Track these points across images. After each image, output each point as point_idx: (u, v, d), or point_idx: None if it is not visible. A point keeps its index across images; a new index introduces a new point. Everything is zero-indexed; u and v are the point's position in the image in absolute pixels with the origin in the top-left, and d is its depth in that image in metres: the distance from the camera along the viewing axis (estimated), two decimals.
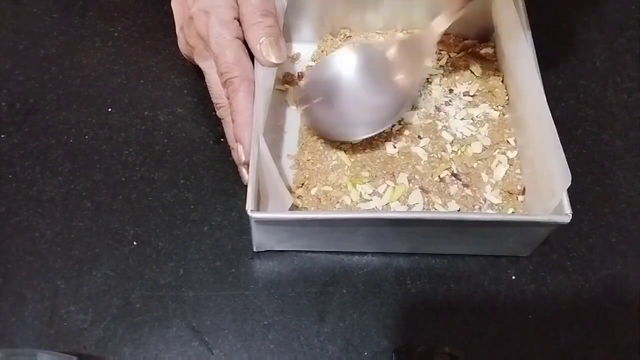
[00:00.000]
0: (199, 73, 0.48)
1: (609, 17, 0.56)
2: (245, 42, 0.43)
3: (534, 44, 0.45)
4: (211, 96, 0.45)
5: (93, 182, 0.45)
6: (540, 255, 0.43)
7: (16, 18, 0.53)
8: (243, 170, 0.43)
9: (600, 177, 0.47)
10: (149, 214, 0.44)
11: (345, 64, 0.47)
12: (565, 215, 0.38)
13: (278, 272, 0.43)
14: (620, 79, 0.52)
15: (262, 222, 0.39)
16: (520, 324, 0.41)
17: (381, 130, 0.45)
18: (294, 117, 0.48)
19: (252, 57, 0.43)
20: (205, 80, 0.45)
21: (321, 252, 0.43)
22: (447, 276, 0.43)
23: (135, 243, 0.43)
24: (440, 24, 0.44)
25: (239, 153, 0.42)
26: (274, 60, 0.42)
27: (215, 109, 0.45)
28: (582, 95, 0.51)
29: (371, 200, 0.43)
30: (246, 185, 0.44)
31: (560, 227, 0.41)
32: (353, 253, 0.43)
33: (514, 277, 0.43)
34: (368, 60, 0.47)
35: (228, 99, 0.43)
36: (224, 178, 0.46)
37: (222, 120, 0.45)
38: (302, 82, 0.49)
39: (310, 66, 0.50)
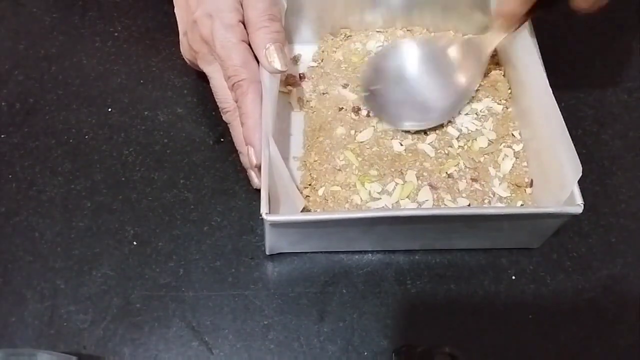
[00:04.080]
0: (199, 73, 0.48)
1: (608, 17, 0.56)
2: (249, 45, 0.43)
3: None
4: (217, 101, 0.45)
5: (93, 182, 0.45)
6: (540, 255, 0.44)
7: (16, 18, 0.53)
8: (252, 174, 0.43)
9: (600, 177, 0.47)
10: (148, 214, 0.44)
11: (406, 55, 0.48)
12: (577, 205, 0.38)
13: (278, 272, 0.43)
14: (620, 79, 0.52)
15: (277, 225, 0.39)
16: (520, 324, 0.41)
17: (434, 125, 0.46)
18: (298, 119, 0.48)
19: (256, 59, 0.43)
20: (210, 85, 0.45)
21: (321, 252, 0.43)
22: (447, 276, 0.43)
23: (135, 243, 0.43)
24: (497, 36, 0.45)
25: (251, 156, 0.42)
26: (278, 67, 0.42)
27: (222, 114, 0.45)
28: (582, 95, 0.51)
29: (380, 198, 0.43)
30: (247, 186, 0.45)
31: (560, 226, 0.41)
32: (353, 253, 0.43)
33: (514, 277, 0.43)
34: (428, 54, 0.48)
35: (236, 102, 0.43)
36: (224, 178, 0.46)
37: (229, 125, 0.45)
38: (364, 69, 0.49)
39: (313, 66, 0.50)
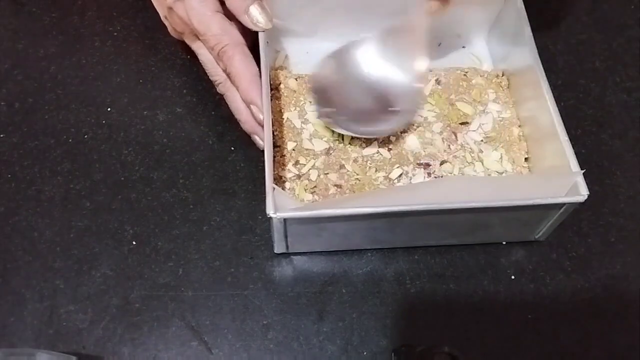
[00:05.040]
0: (198, 73, 0.48)
1: (608, 17, 0.56)
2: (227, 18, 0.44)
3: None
4: (209, 75, 0.46)
5: (92, 182, 0.45)
6: (539, 255, 0.44)
7: (15, 18, 0.53)
8: (257, 138, 0.44)
9: (599, 177, 0.47)
10: (148, 213, 0.44)
11: (346, 64, 0.46)
12: (580, 195, 0.38)
13: (277, 271, 0.42)
14: (620, 79, 0.52)
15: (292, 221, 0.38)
16: (519, 324, 0.41)
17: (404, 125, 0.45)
18: None
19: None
20: (200, 62, 0.46)
21: (321, 252, 0.43)
22: (447, 276, 0.43)
23: (134, 243, 0.43)
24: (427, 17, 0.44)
25: (256, 114, 0.42)
26: (263, 25, 0.43)
27: (216, 88, 0.46)
28: (581, 95, 0.51)
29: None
30: (247, 186, 0.45)
31: (559, 226, 0.41)
32: (352, 252, 0.43)
33: (513, 277, 0.43)
34: (365, 58, 0.46)
35: (225, 70, 0.43)
36: (223, 178, 0.46)
37: (224, 97, 0.45)
38: (310, 89, 0.46)
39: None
